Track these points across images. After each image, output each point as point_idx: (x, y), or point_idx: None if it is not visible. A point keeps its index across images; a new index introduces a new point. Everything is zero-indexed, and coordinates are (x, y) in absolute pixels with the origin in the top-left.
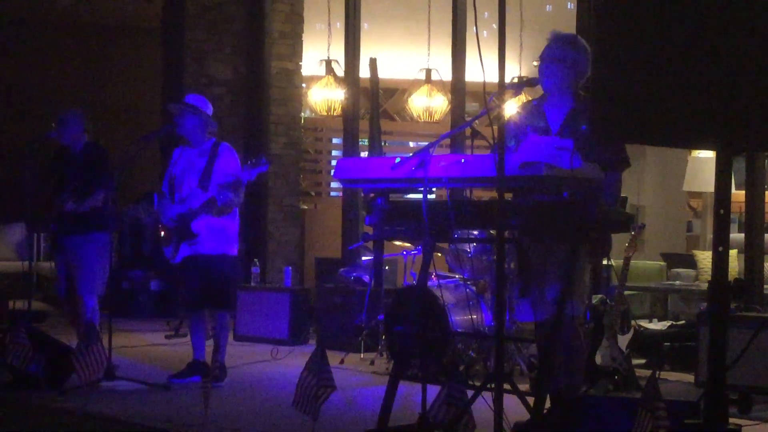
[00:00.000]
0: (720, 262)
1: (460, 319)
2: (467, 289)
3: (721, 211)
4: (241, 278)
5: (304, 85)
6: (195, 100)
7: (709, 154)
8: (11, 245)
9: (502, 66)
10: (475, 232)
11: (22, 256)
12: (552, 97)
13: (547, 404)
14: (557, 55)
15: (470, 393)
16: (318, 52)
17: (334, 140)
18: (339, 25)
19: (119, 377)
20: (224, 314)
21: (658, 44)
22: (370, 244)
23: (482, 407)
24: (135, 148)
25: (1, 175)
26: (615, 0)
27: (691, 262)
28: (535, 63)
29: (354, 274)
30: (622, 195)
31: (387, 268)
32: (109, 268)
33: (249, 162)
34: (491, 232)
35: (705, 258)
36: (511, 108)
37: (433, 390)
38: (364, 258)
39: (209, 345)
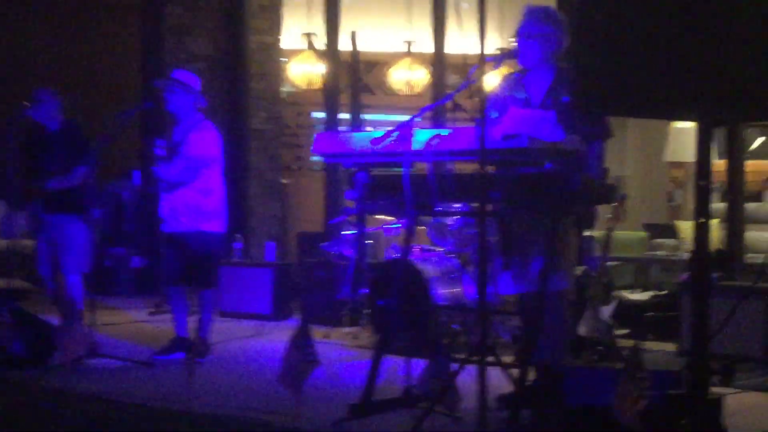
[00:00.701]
0: (701, 232)
1: (443, 292)
2: (450, 263)
3: (702, 182)
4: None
5: (284, 59)
6: (182, 75)
7: (690, 125)
8: None
9: (482, 38)
10: (458, 205)
11: (3, 234)
12: (532, 70)
13: (531, 376)
14: (532, 31)
15: (455, 366)
16: (298, 25)
17: (315, 114)
18: None
19: (102, 355)
20: (206, 291)
21: (639, 15)
22: (352, 218)
23: (467, 380)
24: (115, 125)
25: None
26: None
27: (672, 232)
28: (512, 39)
29: (336, 249)
30: (604, 166)
31: (369, 242)
32: (92, 245)
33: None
34: (474, 204)
35: (687, 228)
36: (493, 80)
37: (418, 363)
38: (346, 232)
39: (193, 321)
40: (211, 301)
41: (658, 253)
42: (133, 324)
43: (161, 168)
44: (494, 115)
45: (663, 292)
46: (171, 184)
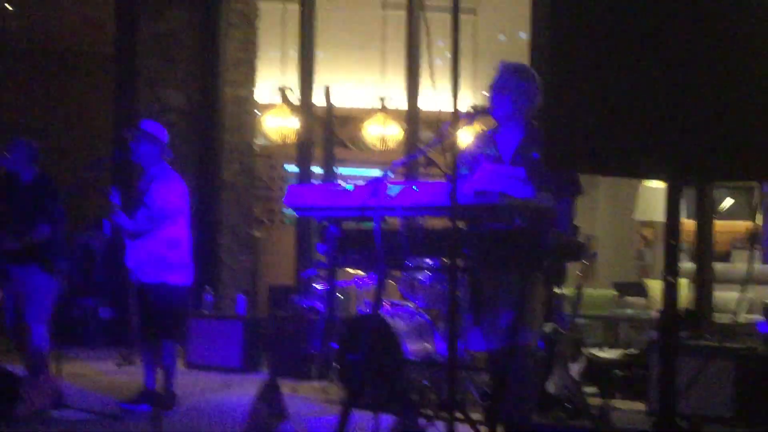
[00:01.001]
0: (670, 291)
1: (413, 347)
2: (420, 318)
3: (672, 241)
4: (188, 306)
5: (258, 113)
6: (150, 126)
7: (660, 184)
8: None
9: (455, 94)
10: (429, 261)
11: None
12: (503, 126)
13: None
14: (506, 85)
15: (423, 422)
16: (272, 79)
17: (288, 168)
18: (293, 53)
19: (68, 406)
20: (168, 342)
21: (609, 74)
22: (323, 272)
23: None
24: (87, 174)
25: None
26: (567, 29)
27: (642, 291)
28: (485, 93)
29: (307, 302)
30: (575, 224)
31: (340, 296)
32: (59, 295)
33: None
34: (444, 260)
35: (656, 287)
36: (465, 136)
37: (386, 419)
38: (317, 286)
39: (161, 373)
40: (173, 353)
41: (627, 311)
42: (100, 375)
43: (120, 217)
44: (465, 172)
45: (632, 351)
46: (132, 233)
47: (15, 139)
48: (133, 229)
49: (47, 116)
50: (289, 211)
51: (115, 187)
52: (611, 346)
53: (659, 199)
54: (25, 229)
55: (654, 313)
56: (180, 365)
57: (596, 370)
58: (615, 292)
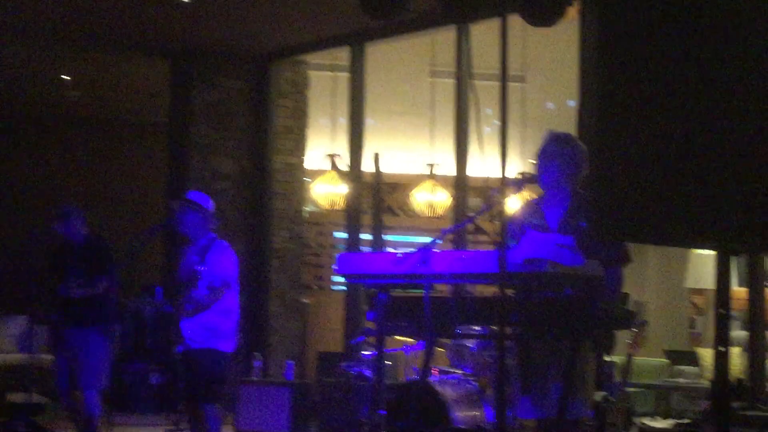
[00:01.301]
0: (721, 361)
1: (461, 415)
2: (469, 385)
3: (722, 311)
4: (232, 374)
5: (307, 179)
6: (196, 196)
7: (710, 252)
8: (12, 337)
9: (503, 161)
10: (477, 328)
11: (23, 349)
12: (549, 194)
13: None
14: (552, 153)
15: None
16: (322, 146)
17: (337, 234)
18: (342, 120)
19: None
20: (211, 408)
21: (659, 143)
22: (371, 339)
23: None
24: (138, 242)
25: (4, 268)
26: (614, 98)
27: (694, 360)
28: (532, 161)
29: (356, 369)
30: (624, 291)
31: (389, 362)
32: (111, 361)
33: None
34: (493, 328)
35: (708, 355)
36: (514, 204)
37: None
38: (365, 352)
39: None
40: (216, 417)
41: (679, 380)
42: None
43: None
44: (512, 242)
45: (685, 421)
46: (198, 309)
47: (63, 206)
48: (203, 304)
49: (101, 184)
50: (338, 278)
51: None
52: (663, 416)
53: (710, 266)
54: (83, 285)
55: (706, 383)
56: (229, 431)
57: None
58: (667, 361)
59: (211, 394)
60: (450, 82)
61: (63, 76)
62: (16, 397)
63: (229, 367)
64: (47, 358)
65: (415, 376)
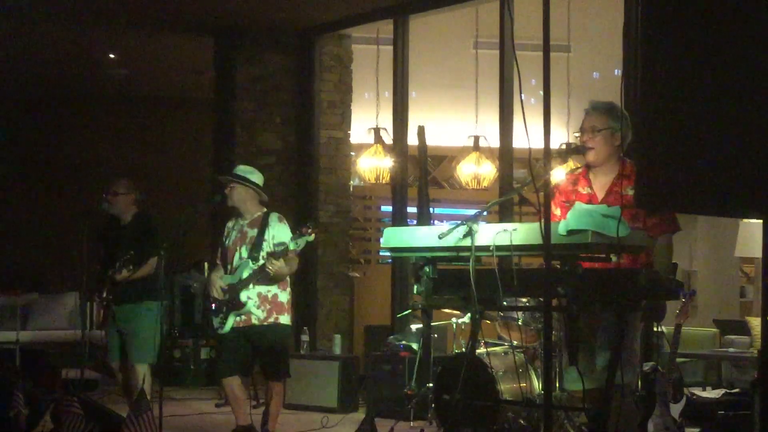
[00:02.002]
0: None
1: (509, 387)
2: (516, 357)
3: None
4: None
5: (352, 153)
6: (244, 171)
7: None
8: (64, 314)
9: (547, 133)
10: (524, 300)
11: (75, 325)
12: (596, 164)
13: None
14: (596, 125)
15: None
16: (366, 120)
17: (383, 208)
18: (387, 94)
19: None
20: (279, 383)
21: (704, 111)
22: (418, 312)
23: None
24: (186, 218)
25: (56, 246)
26: (659, 67)
27: (744, 329)
28: (577, 135)
29: (403, 342)
30: (673, 261)
31: (436, 335)
32: (161, 336)
33: (296, 231)
34: (539, 299)
35: (759, 325)
36: (559, 175)
37: None
38: (413, 325)
39: (256, 413)
40: (281, 394)
41: (729, 350)
42: (199, 415)
43: (270, 264)
44: (557, 211)
45: (735, 390)
46: (271, 278)
47: (114, 183)
48: (288, 274)
49: (147, 161)
50: (386, 252)
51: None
52: (713, 386)
53: (760, 234)
54: (133, 265)
55: (757, 352)
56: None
57: (698, 411)
58: (717, 330)
59: (276, 370)
60: (494, 53)
61: (110, 55)
62: (70, 373)
63: (291, 341)
64: (99, 334)
65: (462, 349)
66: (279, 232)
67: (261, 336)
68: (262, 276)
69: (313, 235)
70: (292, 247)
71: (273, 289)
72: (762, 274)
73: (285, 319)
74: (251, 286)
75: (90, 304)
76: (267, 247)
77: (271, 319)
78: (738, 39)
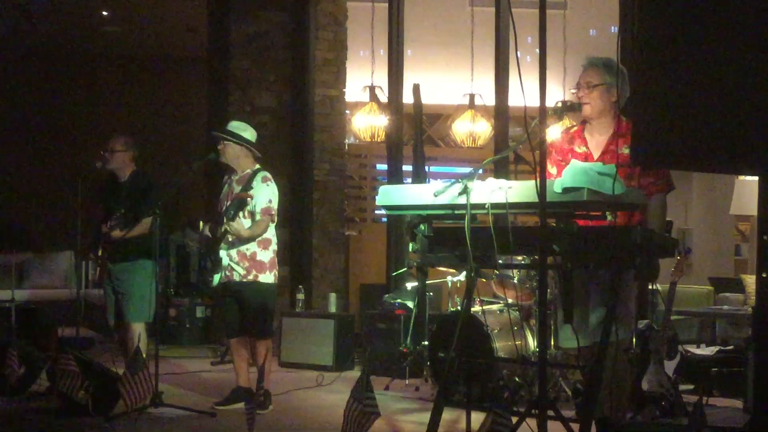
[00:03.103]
0: (763, 287)
1: (504, 344)
2: (511, 315)
3: (765, 237)
4: (284, 305)
5: (347, 111)
6: (237, 127)
7: (756, 178)
8: (60, 273)
9: (543, 90)
10: (519, 258)
11: (71, 284)
12: (592, 122)
13: (593, 430)
14: (594, 81)
15: (515, 419)
16: (361, 78)
17: (378, 166)
18: (382, 52)
19: (165, 404)
20: (263, 341)
21: (699, 68)
22: (414, 270)
23: None
24: (181, 176)
25: (50, 205)
26: (656, 24)
27: (739, 287)
28: (573, 91)
29: (398, 300)
30: (668, 219)
31: (431, 293)
32: (157, 295)
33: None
34: (534, 257)
35: (753, 282)
36: (554, 133)
37: (478, 416)
38: (408, 284)
39: (253, 371)
40: (268, 351)
41: (724, 307)
42: (195, 374)
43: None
44: (553, 168)
45: (729, 347)
46: (244, 239)
47: (112, 140)
48: (249, 236)
49: (141, 119)
50: (381, 210)
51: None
52: (707, 344)
53: (756, 192)
54: (129, 223)
55: (751, 309)
56: (273, 364)
57: (692, 368)
58: (711, 288)
59: (259, 327)
60: (490, 11)
61: (103, 12)
62: (65, 332)
63: (273, 299)
64: (95, 292)
65: (457, 307)
66: (258, 192)
67: (240, 293)
68: (226, 236)
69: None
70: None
71: (252, 247)
72: (757, 231)
73: (265, 277)
74: (224, 244)
75: (86, 263)
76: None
77: (250, 277)
78: None
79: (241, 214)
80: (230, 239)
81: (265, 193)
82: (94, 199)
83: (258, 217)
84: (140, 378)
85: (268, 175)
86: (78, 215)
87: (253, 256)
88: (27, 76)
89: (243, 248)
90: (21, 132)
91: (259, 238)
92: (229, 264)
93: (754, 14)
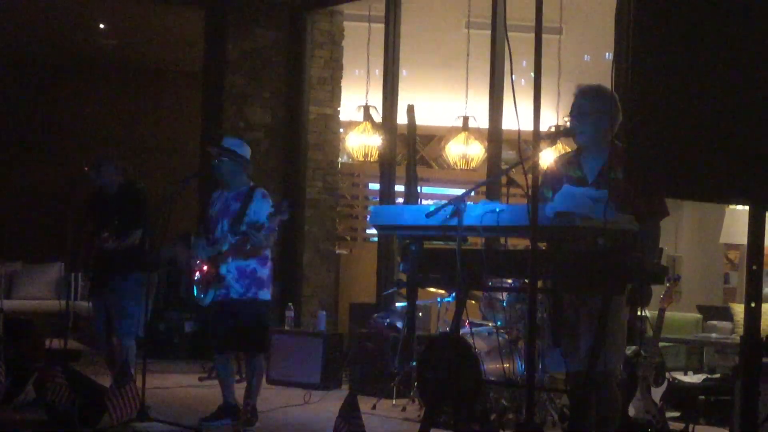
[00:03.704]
0: (751, 316)
1: (492, 367)
2: (500, 338)
3: (754, 266)
4: (273, 322)
5: (341, 130)
6: (232, 143)
7: (746, 207)
8: (49, 284)
9: (537, 115)
10: (509, 281)
11: (60, 295)
12: (587, 148)
13: None
14: (585, 109)
15: None
16: (356, 98)
17: (371, 186)
18: (377, 72)
19: (152, 418)
20: (256, 358)
21: (693, 97)
22: (403, 291)
23: None
24: (173, 190)
25: (40, 215)
26: (650, 50)
27: (727, 315)
28: (566, 119)
29: (388, 320)
30: (659, 246)
31: (420, 314)
32: (147, 308)
33: (272, 210)
34: (524, 281)
35: (742, 311)
36: (548, 157)
37: None
38: (398, 304)
39: (239, 387)
40: (260, 369)
41: (712, 335)
42: (183, 388)
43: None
44: (548, 193)
45: (716, 376)
46: (251, 253)
47: (100, 154)
48: (255, 246)
49: (136, 132)
50: (372, 230)
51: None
52: (695, 371)
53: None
54: (118, 235)
55: (739, 338)
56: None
57: (679, 395)
58: (700, 316)
59: (255, 344)
60: (485, 34)
61: (100, 25)
62: (53, 343)
63: (270, 316)
64: (84, 305)
65: (446, 328)
66: (260, 208)
67: (239, 311)
68: (239, 249)
69: (287, 213)
70: (267, 223)
71: (252, 264)
72: (746, 260)
73: (264, 294)
74: (230, 259)
75: (75, 275)
76: (248, 221)
77: (250, 294)
78: (730, 24)
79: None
80: (232, 256)
81: (267, 209)
82: (84, 212)
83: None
84: (127, 392)
85: (266, 191)
86: (68, 226)
87: (252, 273)
88: (21, 86)
89: (243, 265)
90: (14, 142)
91: (260, 256)
92: (227, 282)
93: (750, 45)
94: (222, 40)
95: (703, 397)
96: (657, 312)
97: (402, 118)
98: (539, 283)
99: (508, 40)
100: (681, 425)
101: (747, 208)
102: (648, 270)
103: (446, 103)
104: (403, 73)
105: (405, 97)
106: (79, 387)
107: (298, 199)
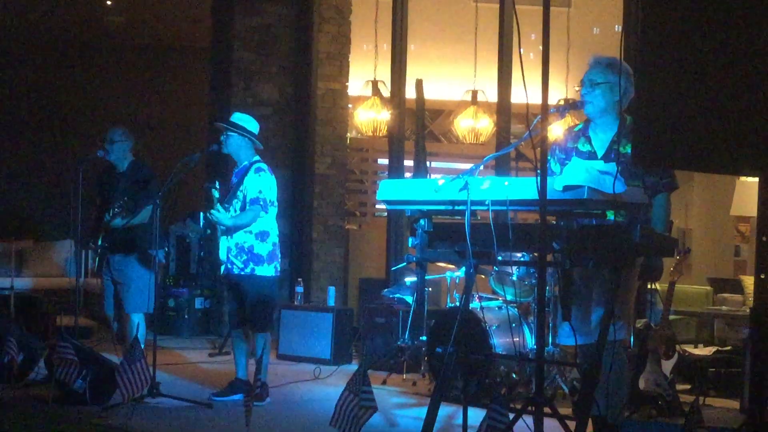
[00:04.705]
0: (762, 288)
1: (502, 341)
2: (510, 312)
3: (764, 238)
4: (278, 298)
5: (350, 105)
6: (240, 119)
7: (756, 179)
8: (59, 262)
9: (545, 88)
10: (519, 255)
11: (70, 273)
12: (596, 121)
13: (589, 429)
14: (597, 80)
15: (512, 416)
16: (364, 73)
17: (380, 161)
18: (386, 47)
19: (162, 394)
20: (260, 334)
21: (702, 69)
22: (413, 265)
23: (524, 430)
24: (181, 167)
25: (50, 193)
26: (659, 24)
27: (738, 287)
28: (577, 88)
29: (397, 295)
30: (669, 219)
31: (430, 289)
32: (156, 286)
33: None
34: (534, 255)
35: (752, 283)
36: (556, 130)
37: (475, 412)
38: (407, 279)
39: (252, 364)
40: (267, 344)
41: (722, 308)
42: (193, 365)
43: (219, 213)
44: (556, 166)
45: (726, 348)
46: (231, 228)
47: (111, 130)
48: (233, 225)
49: (144, 109)
50: (381, 205)
51: (217, 182)
52: (705, 344)
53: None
54: (128, 213)
55: (749, 310)
56: (271, 356)
57: (689, 367)
58: (710, 288)
59: (257, 320)
60: (494, 7)
61: (107, 1)
62: (64, 321)
63: (273, 292)
64: (94, 282)
65: (456, 303)
66: (249, 182)
67: (239, 285)
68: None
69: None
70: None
71: (249, 240)
72: (757, 232)
73: (263, 270)
74: (228, 236)
75: (85, 252)
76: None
77: (248, 270)
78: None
79: (238, 204)
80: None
81: (256, 184)
82: (94, 190)
83: (247, 207)
84: (138, 368)
85: (263, 165)
86: (78, 204)
87: (250, 249)
88: (29, 65)
89: (241, 241)
90: (22, 120)
91: (257, 231)
92: (228, 256)
93: (757, 16)
94: (229, 15)
95: (713, 369)
96: (667, 285)
97: (411, 93)
98: (548, 257)
99: (516, 14)
100: (691, 398)
101: (757, 180)
102: (657, 242)
103: (455, 78)
104: (411, 47)
105: (413, 72)
106: (90, 364)
107: (306, 174)
